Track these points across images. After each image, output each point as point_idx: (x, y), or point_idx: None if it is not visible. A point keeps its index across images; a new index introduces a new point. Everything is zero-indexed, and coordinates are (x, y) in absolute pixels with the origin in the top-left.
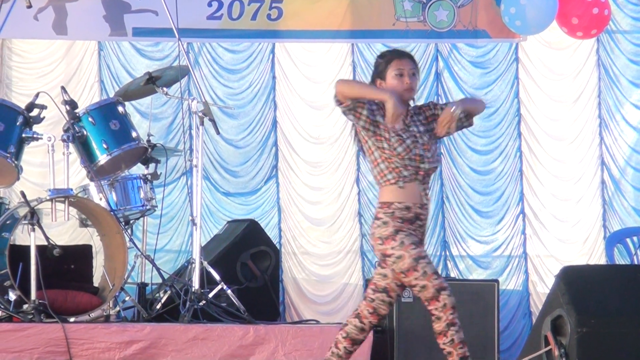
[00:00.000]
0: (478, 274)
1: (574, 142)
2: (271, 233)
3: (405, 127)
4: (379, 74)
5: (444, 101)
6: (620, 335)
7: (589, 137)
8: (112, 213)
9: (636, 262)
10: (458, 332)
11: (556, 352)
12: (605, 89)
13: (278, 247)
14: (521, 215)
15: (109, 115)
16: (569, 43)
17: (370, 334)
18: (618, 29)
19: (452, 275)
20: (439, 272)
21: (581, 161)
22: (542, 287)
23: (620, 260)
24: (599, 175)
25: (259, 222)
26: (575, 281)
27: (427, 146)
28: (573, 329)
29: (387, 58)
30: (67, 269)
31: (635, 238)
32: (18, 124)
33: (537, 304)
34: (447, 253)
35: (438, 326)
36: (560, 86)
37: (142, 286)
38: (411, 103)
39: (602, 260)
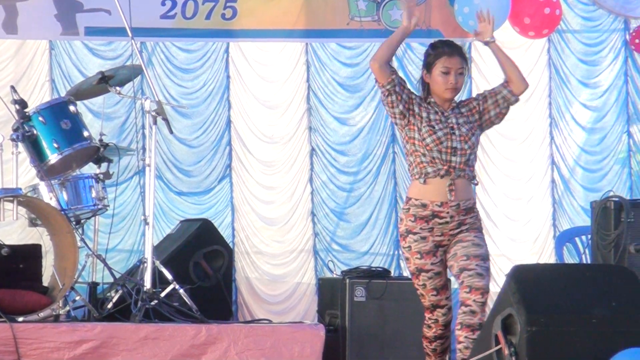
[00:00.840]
0: None
1: (525, 141)
2: (224, 232)
3: (444, 119)
4: (426, 65)
5: None
6: (570, 334)
7: (539, 137)
8: (62, 212)
9: (585, 261)
10: (442, 345)
11: (506, 351)
12: (555, 89)
13: (231, 247)
14: None
15: (60, 114)
16: (520, 42)
17: (323, 332)
18: (568, 28)
19: (405, 274)
20: (441, 283)
21: (532, 160)
22: (493, 285)
23: (570, 259)
24: (549, 174)
25: (213, 221)
26: (525, 280)
27: (465, 137)
28: (523, 328)
29: (437, 51)
30: (15, 268)
31: (584, 237)
32: None
33: (489, 303)
34: (400, 252)
35: (427, 332)
36: None
37: (93, 286)
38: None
39: (552, 259)
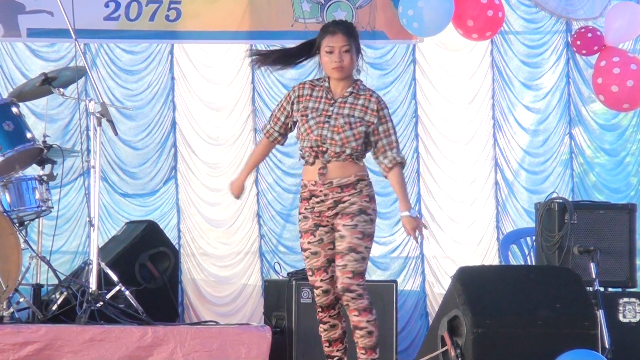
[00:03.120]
0: (377, 276)
1: (468, 143)
2: (170, 234)
3: (323, 107)
4: (317, 46)
5: None
6: (515, 335)
7: (483, 139)
8: (4, 214)
9: (529, 263)
10: (327, 332)
11: (452, 353)
12: (498, 91)
13: (177, 248)
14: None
15: (2, 116)
16: (464, 44)
17: (269, 334)
18: (511, 30)
19: None
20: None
21: (475, 163)
22: (438, 287)
23: (514, 261)
24: (493, 176)
25: (158, 223)
26: (471, 282)
27: (339, 129)
28: (469, 330)
29: (321, 33)
30: None
31: (528, 239)
32: None
33: (433, 304)
34: None
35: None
36: (455, 87)
37: (37, 287)
38: (356, 75)
39: (496, 261)
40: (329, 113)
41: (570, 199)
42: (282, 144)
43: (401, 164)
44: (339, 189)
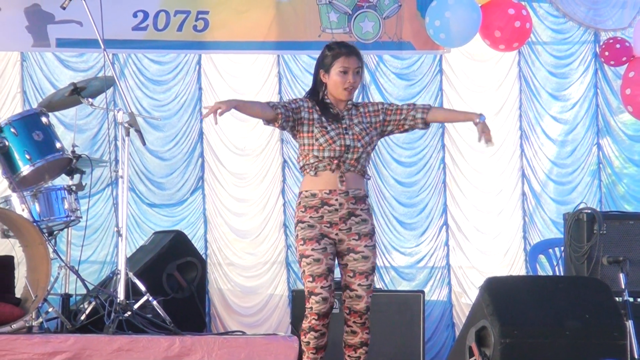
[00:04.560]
0: (403, 286)
1: (495, 154)
2: (197, 244)
3: (337, 118)
4: (324, 66)
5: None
6: (543, 346)
7: (510, 150)
8: (34, 224)
9: (558, 273)
10: (317, 340)
11: None
12: (526, 102)
13: (204, 258)
14: (444, 226)
15: (32, 125)
16: (491, 55)
17: (297, 344)
18: (539, 40)
19: (378, 286)
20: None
21: (502, 173)
22: (465, 298)
23: (542, 271)
24: (520, 187)
25: (185, 233)
26: (498, 292)
27: (358, 136)
28: (497, 340)
29: (334, 52)
30: None
31: (557, 249)
32: None
33: (460, 315)
34: None
35: (303, 322)
36: (482, 98)
37: (65, 297)
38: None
39: (522, 272)
40: (345, 125)
41: (598, 210)
42: (278, 124)
43: (430, 106)
44: (353, 200)
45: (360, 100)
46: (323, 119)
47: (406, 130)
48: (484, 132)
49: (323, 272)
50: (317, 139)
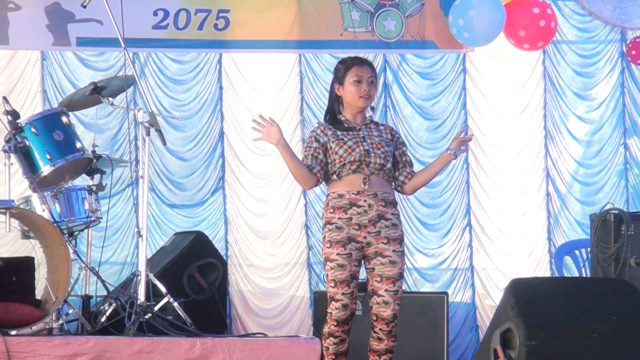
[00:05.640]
0: (426, 288)
1: (519, 154)
2: (218, 245)
3: (353, 131)
4: (338, 79)
5: (392, 112)
6: (569, 348)
7: (534, 150)
8: (55, 224)
9: (584, 275)
10: (336, 346)
11: None
12: (550, 101)
13: (225, 260)
14: (468, 227)
15: (53, 125)
16: (515, 54)
17: (319, 346)
18: (564, 39)
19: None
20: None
21: (526, 174)
22: (489, 300)
23: (568, 273)
24: (544, 188)
25: (206, 234)
26: (524, 294)
27: (377, 145)
28: (522, 342)
29: (347, 64)
30: (8, 281)
31: (583, 250)
32: None
33: (483, 317)
34: None
35: (324, 326)
36: (506, 98)
37: (86, 299)
38: (368, 112)
39: (547, 274)
40: (362, 135)
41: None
42: (321, 182)
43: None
44: (382, 202)
45: (382, 100)
46: (338, 133)
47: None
48: (465, 141)
49: (346, 278)
50: (336, 152)
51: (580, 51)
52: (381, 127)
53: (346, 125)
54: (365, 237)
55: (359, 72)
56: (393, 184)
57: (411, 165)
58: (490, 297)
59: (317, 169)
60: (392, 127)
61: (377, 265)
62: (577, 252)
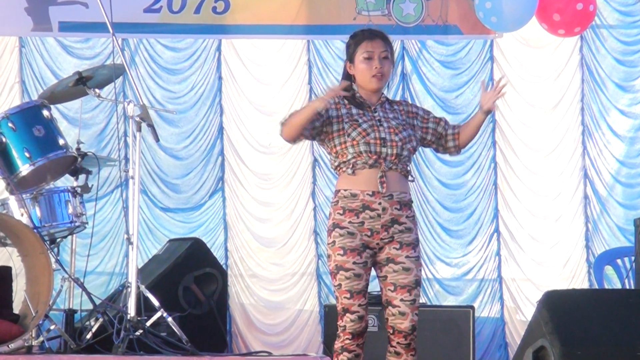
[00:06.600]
0: (449, 301)
1: (553, 152)
2: (216, 253)
3: (369, 112)
4: (349, 56)
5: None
6: None
7: (570, 147)
8: (35, 230)
9: (628, 286)
10: None
11: None
12: (589, 93)
13: (225, 270)
14: (495, 234)
15: (32, 120)
16: (549, 41)
17: None
18: (604, 24)
19: (421, 301)
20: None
21: (561, 174)
22: (519, 314)
23: (608, 284)
24: (582, 190)
25: (204, 241)
26: (559, 308)
27: (395, 130)
28: None
29: (357, 39)
30: None
31: (626, 259)
32: None
33: (513, 333)
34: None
35: (335, 343)
36: (539, 89)
37: (69, 313)
38: (384, 91)
39: (585, 285)
40: (378, 117)
41: None
42: (300, 142)
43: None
44: (398, 205)
45: (400, 95)
46: (353, 111)
47: (431, 145)
48: (496, 92)
49: (362, 288)
50: (348, 134)
51: (622, 37)
52: (396, 108)
53: (362, 103)
54: (377, 244)
55: (369, 47)
56: (446, 152)
57: (447, 122)
58: (520, 311)
59: (307, 130)
60: (407, 102)
61: (390, 273)
62: (619, 261)
